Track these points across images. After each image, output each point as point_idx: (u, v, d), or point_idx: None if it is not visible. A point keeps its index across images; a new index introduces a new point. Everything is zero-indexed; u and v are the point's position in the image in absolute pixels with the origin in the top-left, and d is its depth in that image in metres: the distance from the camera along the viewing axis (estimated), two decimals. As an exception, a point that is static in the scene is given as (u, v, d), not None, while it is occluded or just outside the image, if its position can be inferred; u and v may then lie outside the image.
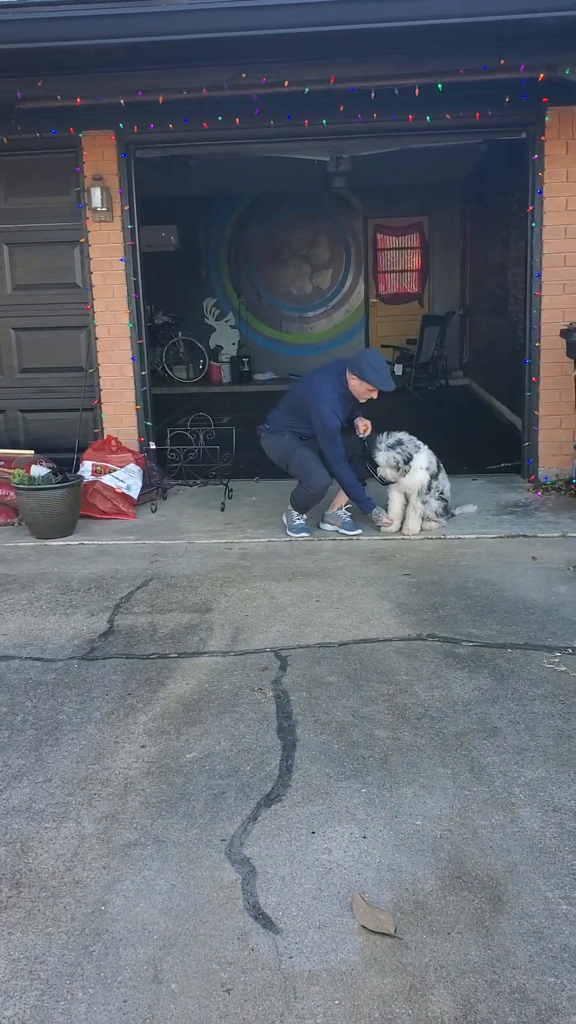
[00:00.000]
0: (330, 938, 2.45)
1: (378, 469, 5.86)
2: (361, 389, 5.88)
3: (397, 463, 5.80)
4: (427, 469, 5.95)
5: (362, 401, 6.00)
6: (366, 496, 6.05)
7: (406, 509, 6.04)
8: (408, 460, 5.81)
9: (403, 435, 5.94)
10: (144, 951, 2.43)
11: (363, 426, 6.09)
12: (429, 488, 6.02)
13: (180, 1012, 2.23)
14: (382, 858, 2.76)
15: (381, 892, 2.61)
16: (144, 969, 2.37)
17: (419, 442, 6.01)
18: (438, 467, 6.09)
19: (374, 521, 6.09)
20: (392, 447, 5.81)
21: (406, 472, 5.86)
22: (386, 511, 6.12)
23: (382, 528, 6.07)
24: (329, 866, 2.73)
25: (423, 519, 6.10)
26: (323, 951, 2.40)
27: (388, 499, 6.13)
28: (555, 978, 2.28)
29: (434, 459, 6.06)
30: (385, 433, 5.94)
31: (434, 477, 6.03)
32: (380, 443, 5.85)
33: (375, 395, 5.92)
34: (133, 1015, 2.22)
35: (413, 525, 6.00)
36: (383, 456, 5.82)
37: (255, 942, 2.44)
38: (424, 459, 5.95)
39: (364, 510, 6.08)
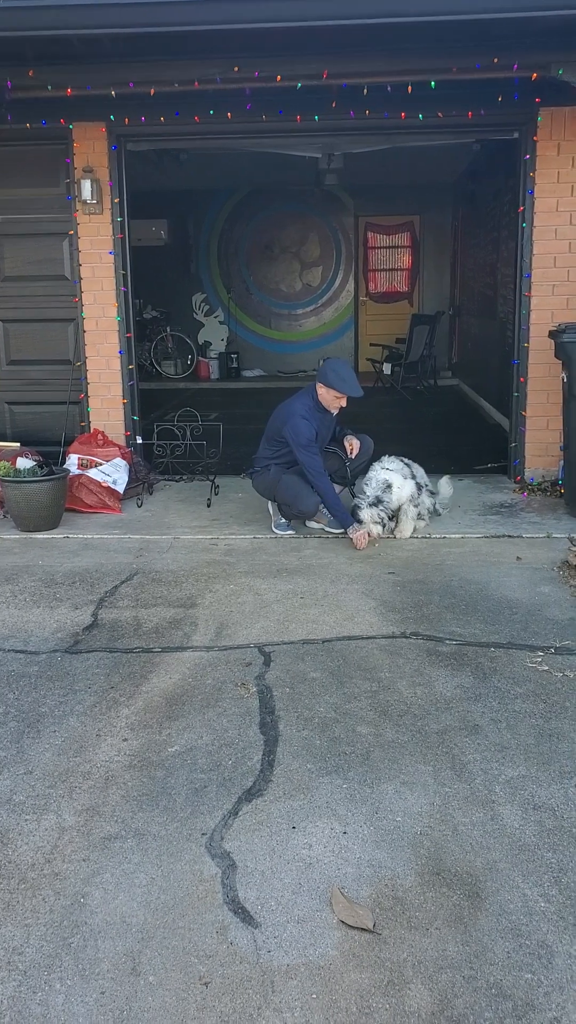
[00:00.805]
0: (309, 933, 2.45)
1: (363, 526, 5.79)
2: (329, 397, 5.88)
3: (381, 519, 5.75)
4: (408, 479, 5.92)
5: (333, 411, 5.99)
6: (345, 510, 5.92)
7: (397, 513, 5.99)
8: (392, 516, 5.77)
9: (374, 478, 5.83)
10: (122, 944, 2.43)
11: (350, 446, 6.12)
12: (420, 490, 6.01)
13: (158, 1005, 2.22)
14: (362, 854, 2.77)
15: (360, 887, 2.62)
16: (122, 961, 2.37)
17: (388, 465, 5.93)
18: (411, 471, 6.04)
19: (349, 534, 5.87)
20: (374, 504, 5.74)
21: (389, 527, 5.82)
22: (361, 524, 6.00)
23: (356, 546, 5.81)
24: (309, 861, 2.74)
25: (414, 518, 6.09)
26: (301, 945, 2.41)
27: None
28: (532, 974, 2.29)
29: (406, 468, 6.00)
30: (362, 488, 5.88)
31: (412, 477, 6.00)
32: (362, 499, 5.78)
33: (344, 403, 5.93)
34: (110, 1007, 2.22)
35: (406, 530, 5.92)
36: (366, 514, 5.76)
37: (234, 936, 2.44)
38: (398, 478, 5.86)
39: (343, 525, 5.92)
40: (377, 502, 5.74)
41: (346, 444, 6.15)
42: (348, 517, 5.89)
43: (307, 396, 5.99)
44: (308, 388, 6.04)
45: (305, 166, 10.36)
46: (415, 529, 6.03)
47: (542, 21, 5.26)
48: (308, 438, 5.84)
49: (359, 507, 5.78)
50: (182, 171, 11.43)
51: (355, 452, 6.12)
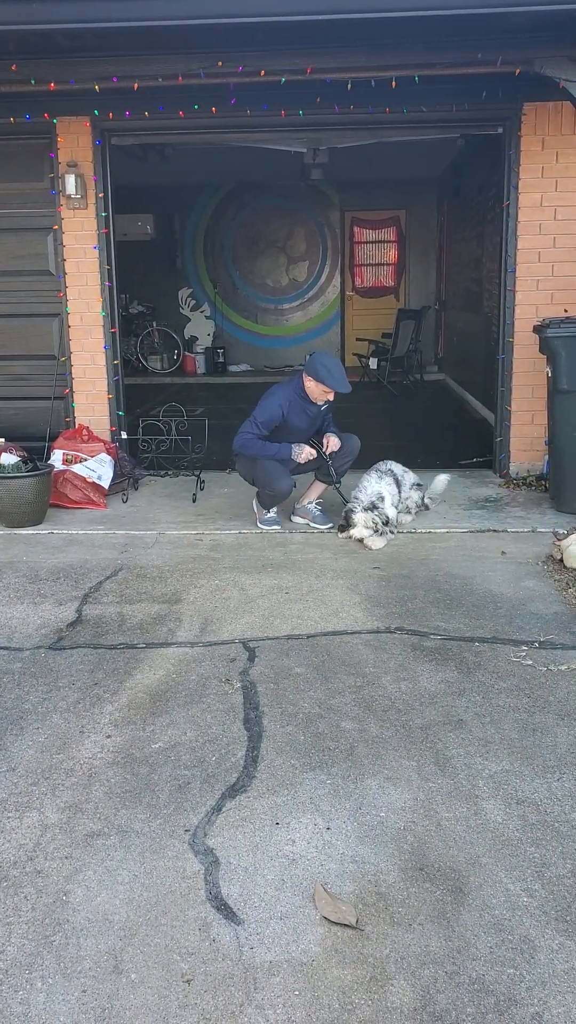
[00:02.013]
0: (291, 929, 2.45)
1: (353, 531, 5.76)
2: (317, 391, 5.85)
3: (376, 524, 5.73)
4: (394, 506, 5.93)
5: (320, 404, 5.96)
6: (280, 448, 5.93)
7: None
8: (386, 522, 5.76)
9: (368, 489, 5.84)
10: (105, 941, 2.42)
11: (326, 442, 6.06)
12: (396, 521, 6.02)
13: (140, 1002, 2.22)
14: (345, 849, 2.77)
15: (344, 883, 2.62)
16: (104, 959, 2.36)
17: (378, 487, 5.88)
18: (399, 490, 6.05)
19: (293, 456, 5.93)
20: (368, 509, 5.73)
21: (383, 532, 5.78)
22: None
23: (298, 459, 5.93)
24: (292, 857, 2.73)
25: (404, 512, 6.11)
26: (284, 942, 2.40)
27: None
28: (514, 969, 2.29)
29: (395, 488, 5.99)
30: (355, 495, 5.86)
31: (398, 492, 6.03)
32: (356, 505, 5.75)
33: (331, 396, 5.90)
34: (92, 1005, 2.21)
35: (378, 544, 5.80)
36: (360, 517, 5.74)
37: (216, 933, 2.44)
38: (389, 498, 5.87)
39: (282, 455, 5.93)
40: (372, 507, 5.73)
41: (324, 440, 6.08)
42: (286, 449, 5.93)
43: (293, 384, 5.98)
44: (296, 377, 6.02)
45: (290, 161, 10.33)
46: (388, 542, 5.94)
47: (523, 17, 5.26)
48: (268, 417, 5.84)
49: (353, 511, 5.77)
50: (167, 166, 11.40)
51: (329, 448, 6.05)
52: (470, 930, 2.43)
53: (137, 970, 2.32)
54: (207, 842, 2.82)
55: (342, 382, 5.80)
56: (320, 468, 6.17)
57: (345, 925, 2.45)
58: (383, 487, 5.89)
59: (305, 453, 5.95)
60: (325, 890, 2.57)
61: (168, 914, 2.51)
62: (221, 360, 15.90)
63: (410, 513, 6.16)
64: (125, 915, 2.51)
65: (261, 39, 5.70)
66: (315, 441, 6.15)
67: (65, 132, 7.15)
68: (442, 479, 6.47)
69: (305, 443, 6.03)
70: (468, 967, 2.31)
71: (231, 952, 2.37)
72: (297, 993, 2.23)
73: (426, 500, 6.35)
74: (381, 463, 6.18)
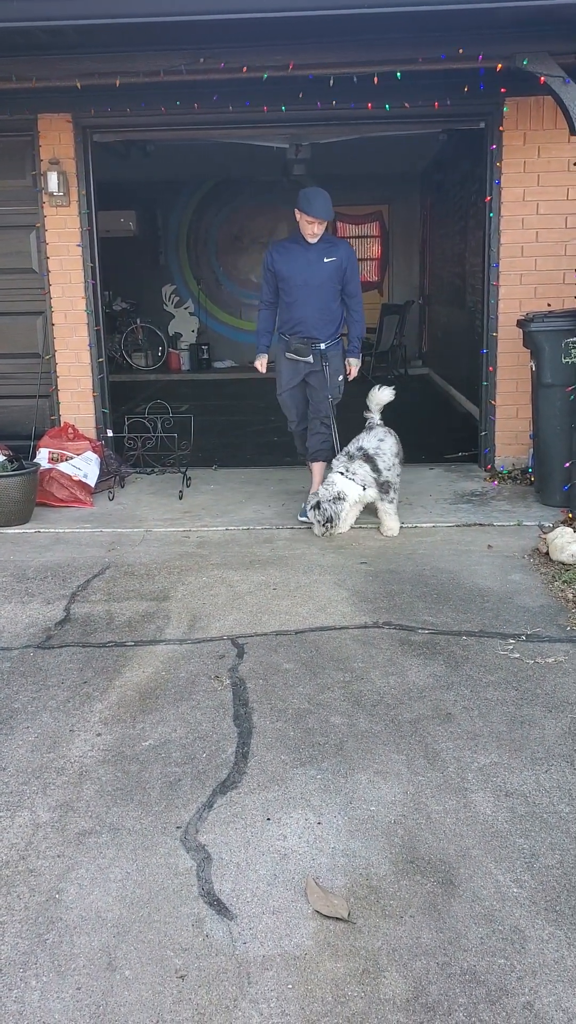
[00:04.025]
0: (284, 923, 2.46)
1: (314, 528, 5.86)
2: (302, 223, 5.79)
3: (322, 522, 5.76)
4: (370, 486, 5.82)
5: (308, 238, 5.83)
6: (263, 339, 6.27)
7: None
8: (330, 520, 5.71)
9: (326, 487, 5.78)
10: (98, 939, 2.43)
11: (349, 368, 6.23)
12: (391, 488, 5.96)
13: (134, 999, 2.23)
14: (336, 843, 2.78)
15: (335, 877, 2.63)
16: (98, 957, 2.37)
17: (344, 482, 5.77)
18: (369, 460, 5.91)
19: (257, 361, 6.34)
20: (315, 507, 5.77)
21: (332, 532, 5.81)
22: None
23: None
24: (284, 852, 2.75)
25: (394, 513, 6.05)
26: (277, 936, 2.42)
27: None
28: (505, 959, 2.32)
29: (362, 469, 5.84)
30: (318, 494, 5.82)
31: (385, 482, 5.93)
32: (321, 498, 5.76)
33: (316, 228, 5.77)
34: (87, 1002, 2.22)
35: (394, 527, 5.89)
36: (311, 515, 5.85)
37: (209, 928, 2.45)
38: (354, 491, 5.77)
39: (258, 350, 6.30)
40: (316, 506, 5.78)
41: (346, 365, 6.25)
42: (263, 339, 6.27)
43: (294, 235, 6.01)
44: None
45: (273, 157, 10.33)
46: (400, 524, 5.97)
47: (506, 12, 5.26)
48: (262, 270, 6.11)
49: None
50: (150, 162, 11.38)
51: (353, 373, 6.28)
52: (461, 921, 2.45)
53: (131, 967, 2.33)
54: (199, 839, 2.83)
55: (320, 209, 5.69)
56: (325, 448, 6.25)
57: (337, 918, 2.46)
58: (347, 483, 5.79)
59: (257, 362, 6.32)
60: (317, 884, 2.59)
61: (161, 911, 2.52)
62: (206, 356, 15.89)
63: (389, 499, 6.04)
64: (118, 912, 2.52)
65: (243, 35, 5.69)
66: (327, 427, 6.19)
67: (47, 129, 7.12)
68: (386, 390, 6.33)
69: (307, 323, 6.04)
70: (459, 958, 2.33)
71: (224, 947, 2.39)
72: (291, 987, 2.25)
73: (368, 415, 6.27)
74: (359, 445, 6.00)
